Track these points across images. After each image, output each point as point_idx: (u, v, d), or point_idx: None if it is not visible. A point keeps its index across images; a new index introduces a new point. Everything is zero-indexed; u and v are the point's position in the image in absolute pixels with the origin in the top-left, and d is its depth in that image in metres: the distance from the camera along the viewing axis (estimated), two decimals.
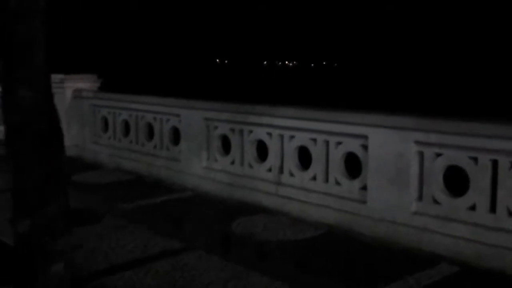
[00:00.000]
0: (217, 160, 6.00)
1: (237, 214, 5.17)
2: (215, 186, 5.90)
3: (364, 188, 4.65)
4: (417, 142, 4.23)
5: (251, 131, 5.59)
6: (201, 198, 5.80)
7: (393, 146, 4.36)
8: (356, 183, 4.73)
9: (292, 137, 5.20)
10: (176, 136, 6.60)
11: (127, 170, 7.03)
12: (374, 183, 4.53)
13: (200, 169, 6.10)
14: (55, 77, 8.07)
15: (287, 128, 5.21)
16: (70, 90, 8.03)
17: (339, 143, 4.82)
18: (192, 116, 6.17)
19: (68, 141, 8.06)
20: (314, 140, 5.01)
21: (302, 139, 5.12)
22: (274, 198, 5.30)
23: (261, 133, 5.48)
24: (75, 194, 5.89)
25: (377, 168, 4.50)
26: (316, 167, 5.02)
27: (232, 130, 5.77)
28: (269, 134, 5.39)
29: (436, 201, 4.18)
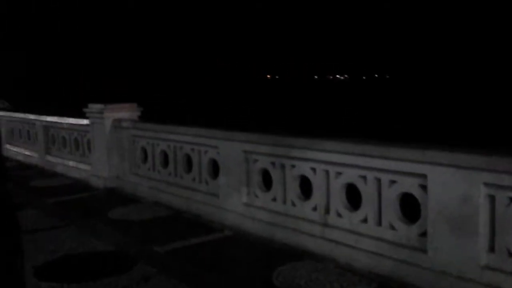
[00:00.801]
0: (257, 196, 5.52)
1: (279, 259, 4.65)
2: (255, 225, 5.41)
3: (423, 234, 4.02)
4: (487, 184, 3.58)
5: (293, 166, 5.08)
6: (240, 239, 5.33)
7: (458, 188, 3.72)
8: (414, 229, 4.11)
9: (339, 173, 4.65)
10: (215, 169, 6.18)
11: (165, 205, 6.67)
12: (436, 230, 3.90)
13: (240, 205, 5.63)
14: (95, 107, 7.90)
15: (333, 163, 4.66)
16: (110, 119, 7.81)
17: (393, 181, 4.23)
18: (230, 148, 5.73)
19: (108, 172, 7.90)
20: (364, 177, 4.43)
21: (350, 176, 4.56)
22: (320, 242, 4.75)
23: (304, 168, 4.96)
24: (110, 233, 5.60)
25: (438, 212, 3.87)
26: (367, 208, 4.44)
27: (273, 164, 5.28)
28: (313, 170, 4.86)
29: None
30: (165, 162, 7.01)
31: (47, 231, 5.66)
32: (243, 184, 5.61)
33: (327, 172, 4.74)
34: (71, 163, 9.15)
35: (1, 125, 12.26)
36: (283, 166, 5.18)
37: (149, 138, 7.21)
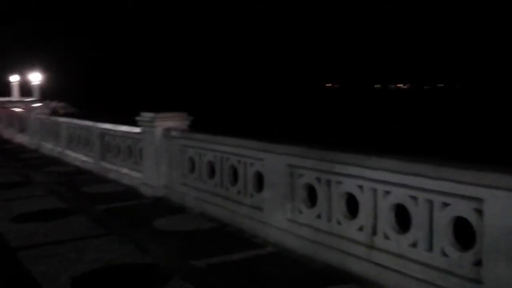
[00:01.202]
0: (301, 213, 5.30)
1: (322, 281, 4.41)
2: (299, 243, 5.19)
3: (478, 263, 3.66)
4: None
5: (339, 182, 4.82)
6: (283, 256, 5.12)
7: None
8: (468, 257, 3.75)
9: (387, 192, 4.36)
10: (260, 182, 6.02)
11: (210, 216, 6.57)
12: (492, 259, 3.53)
13: (284, 221, 5.43)
14: (146, 115, 7.96)
15: (381, 181, 4.38)
16: (160, 128, 7.84)
17: (445, 204, 3.89)
18: (275, 162, 5.55)
19: (157, 180, 7.93)
20: (414, 198, 4.12)
21: (399, 195, 4.26)
22: (366, 265, 4.46)
23: (350, 186, 4.70)
24: (151, 245, 5.56)
25: (495, 240, 3.51)
26: (417, 231, 4.12)
27: (318, 179, 5.05)
28: (360, 187, 4.59)
29: None
30: (212, 173, 6.93)
31: (91, 239, 5.69)
32: (288, 199, 5.41)
33: (374, 190, 4.46)
34: (124, 170, 9.29)
35: (62, 130, 12.70)
36: (328, 182, 4.94)
37: (197, 148, 7.16)
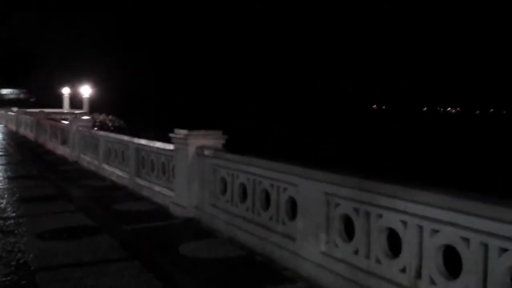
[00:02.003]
0: (337, 246, 4.80)
1: None
2: (333, 280, 4.69)
3: None
4: None
5: (380, 216, 4.32)
6: None
7: None
8: None
9: (435, 231, 3.83)
10: (293, 208, 5.57)
11: (240, 243, 6.16)
12: None
13: (317, 254, 4.95)
14: (180, 132, 7.68)
15: (428, 218, 3.85)
16: (193, 146, 7.53)
17: (503, 250, 3.34)
18: (310, 188, 5.10)
19: (188, 201, 7.60)
20: (466, 240, 3.58)
21: (448, 236, 3.72)
22: None
23: (393, 220, 4.19)
24: (173, 274, 5.16)
25: None
26: (468, 278, 3.56)
27: (356, 210, 4.57)
28: (404, 223, 4.07)
29: None
30: (244, 196, 6.54)
31: (112, 263, 5.38)
32: (322, 229, 4.94)
33: (420, 228, 3.94)
34: (156, 188, 9.03)
35: (101, 144, 12.66)
36: (368, 215, 4.45)
37: (229, 169, 6.79)
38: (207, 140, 7.59)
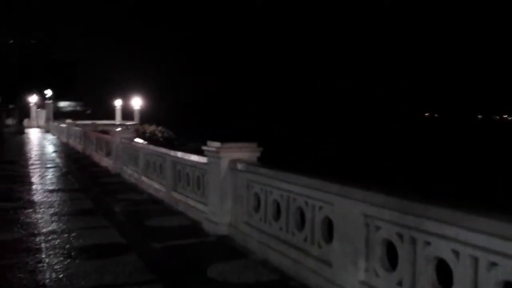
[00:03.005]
0: (378, 276, 4.23)
1: None
2: None
3: None
4: None
5: (427, 243, 3.73)
6: None
7: None
8: None
9: (493, 264, 3.21)
10: (330, 230, 5.03)
11: (273, 266, 5.67)
12: None
13: (356, 283, 4.39)
14: (212, 145, 7.28)
15: (485, 249, 3.24)
16: (226, 160, 7.12)
17: None
18: (347, 208, 4.56)
19: (221, 217, 7.18)
20: None
21: (510, 271, 3.10)
22: None
23: (442, 249, 3.59)
24: None
25: None
26: None
27: (400, 236, 3.99)
28: (456, 253, 3.47)
29: None
30: (278, 214, 6.05)
31: (135, 287, 5.01)
32: (361, 255, 4.38)
33: (475, 259, 3.32)
34: (191, 202, 8.68)
35: (140, 156, 12.49)
36: (413, 241, 3.86)
37: (263, 185, 6.32)
38: (241, 153, 7.16)
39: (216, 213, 7.26)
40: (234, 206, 7.02)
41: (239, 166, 6.86)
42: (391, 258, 4.16)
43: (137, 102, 58.67)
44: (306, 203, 5.34)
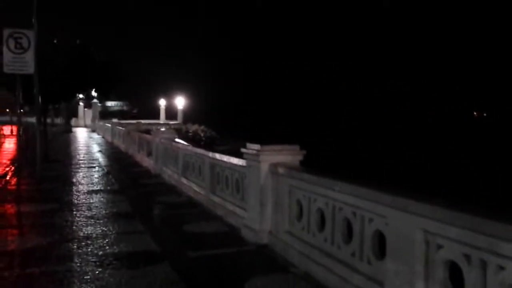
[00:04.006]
0: None
1: None
2: None
3: None
4: None
5: (501, 268, 3.14)
6: None
7: None
8: None
9: None
10: (382, 245, 4.47)
11: (316, 281, 5.15)
12: None
13: None
14: (251, 147, 6.83)
15: None
16: (267, 163, 6.65)
17: None
18: (402, 222, 3.99)
19: (260, 224, 6.71)
20: None
21: None
22: None
23: None
24: None
25: None
26: None
27: (467, 257, 3.39)
28: None
29: None
30: (322, 224, 5.52)
31: None
32: (419, 277, 3.80)
33: None
34: (230, 207, 8.26)
35: (179, 157, 12.20)
36: (483, 265, 3.27)
37: (305, 191, 5.80)
38: (283, 156, 6.67)
39: (256, 219, 6.80)
40: (275, 213, 6.54)
41: (280, 170, 6.37)
42: (456, 282, 3.57)
43: (180, 102, 59.10)
44: (354, 213, 4.79)
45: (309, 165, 6.51)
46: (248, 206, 7.19)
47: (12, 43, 11.08)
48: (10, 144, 28.93)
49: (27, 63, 11.21)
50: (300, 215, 5.98)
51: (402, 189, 4.18)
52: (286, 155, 6.68)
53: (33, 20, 11.81)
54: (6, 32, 11.11)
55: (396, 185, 4.45)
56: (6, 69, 11.40)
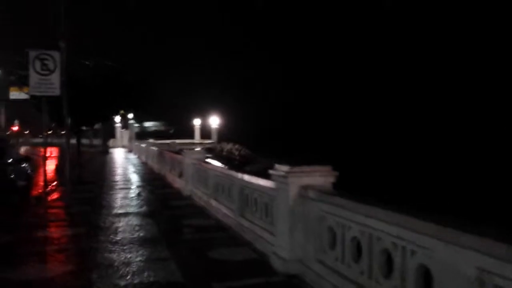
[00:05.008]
0: None
1: None
2: None
3: None
4: None
5: None
6: None
7: None
8: None
9: None
10: (427, 281, 3.89)
11: None
12: None
13: None
14: (279, 169, 6.35)
15: None
16: (296, 186, 6.16)
17: None
18: (451, 257, 3.42)
19: (289, 252, 6.19)
20: None
21: None
22: None
23: None
24: None
25: None
26: None
27: None
28: None
29: None
30: (358, 254, 4.97)
31: None
32: None
33: None
34: (258, 231, 7.77)
35: (209, 178, 11.83)
36: None
37: (338, 217, 5.27)
38: (313, 177, 6.16)
39: (285, 247, 6.28)
40: (306, 240, 6.01)
41: (311, 193, 5.86)
42: None
43: (214, 121, 59.26)
44: (394, 244, 4.24)
45: (342, 187, 5.99)
46: (277, 231, 6.69)
47: (38, 65, 11.01)
48: (48, 166, 29.35)
49: (53, 85, 11.12)
50: (333, 244, 5.44)
51: (451, 216, 3.61)
52: (316, 177, 6.17)
53: (59, 43, 11.78)
54: (32, 54, 11.06)
55: (443, 211, 3.89)
56: (32, 91, 11.35)
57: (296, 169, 6.15)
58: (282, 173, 6.28)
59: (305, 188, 6.01)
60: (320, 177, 6.17)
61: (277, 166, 6.49)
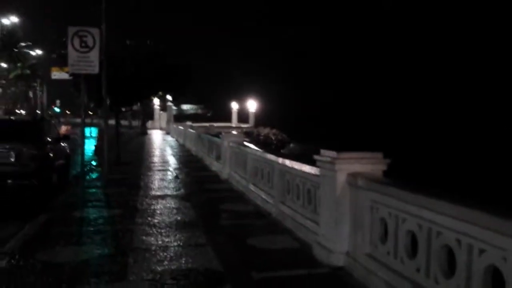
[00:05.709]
0: None
1: None
2: None
3: None
4: None
5: None
6: None
7: None
8: None
9: None
10: (498, 284, 3.44)
11: None
12: None
13: None
14: (325, 155, 5.95)
15: None
16: (344, 173, 5.74)
17: None
18: None
19: (335, 243, 5.80)
20: None
21: None
22: None
23: None
24: None
25: None
26: None
27: None
28: None
29: None
30: (413, 249, 4.54)
31: None
32: None
33: None
34: (300, 219, 7.41)
35: (248, 162, 11.52)
36: None
37: (392, 208, 4.84)
38: (363, 165, 5.72)
39: (330, 238, 5.90)
40: (353, 232, 5.61)
41: (360, 182, 5.44)
42: None
43: (252, 105, 58.91)
44: (458, 241, 3.79)
45: (392, 176, 5.54)
46: (322, 220, 6.30)
47: (77, 42, 10.85)
48: (87, 146, 29.74)
49: (92, 63, 10.95)
50: (385, 237, 5.02)
51: None
52: (366, 164, 5.73)
53: (102, 20, 11.61)
54: (71, 30, 10.90)
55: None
56: (71, 69, 11.23)
57: (345, 155, 5.73)
58: (329, 159, 5.87)
59: (354, 175, 5.59)
60: (370, 164, 5.73)
61: (322, 151, 6.08)
